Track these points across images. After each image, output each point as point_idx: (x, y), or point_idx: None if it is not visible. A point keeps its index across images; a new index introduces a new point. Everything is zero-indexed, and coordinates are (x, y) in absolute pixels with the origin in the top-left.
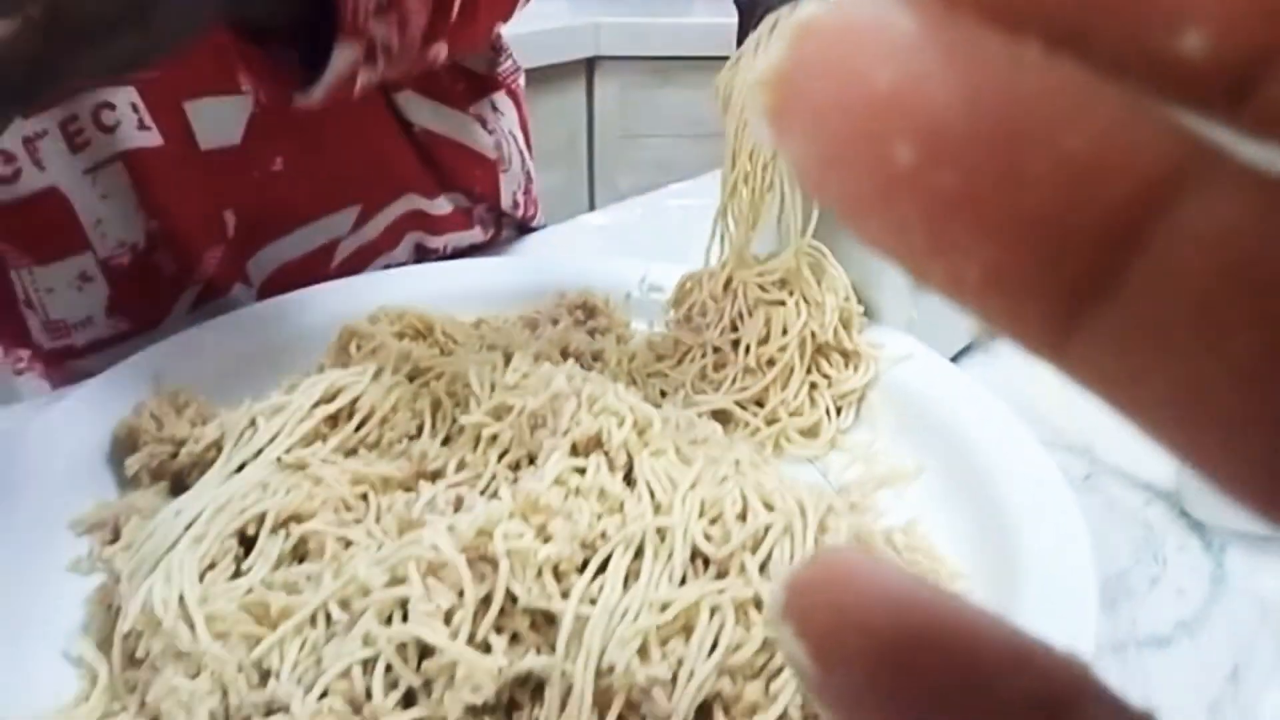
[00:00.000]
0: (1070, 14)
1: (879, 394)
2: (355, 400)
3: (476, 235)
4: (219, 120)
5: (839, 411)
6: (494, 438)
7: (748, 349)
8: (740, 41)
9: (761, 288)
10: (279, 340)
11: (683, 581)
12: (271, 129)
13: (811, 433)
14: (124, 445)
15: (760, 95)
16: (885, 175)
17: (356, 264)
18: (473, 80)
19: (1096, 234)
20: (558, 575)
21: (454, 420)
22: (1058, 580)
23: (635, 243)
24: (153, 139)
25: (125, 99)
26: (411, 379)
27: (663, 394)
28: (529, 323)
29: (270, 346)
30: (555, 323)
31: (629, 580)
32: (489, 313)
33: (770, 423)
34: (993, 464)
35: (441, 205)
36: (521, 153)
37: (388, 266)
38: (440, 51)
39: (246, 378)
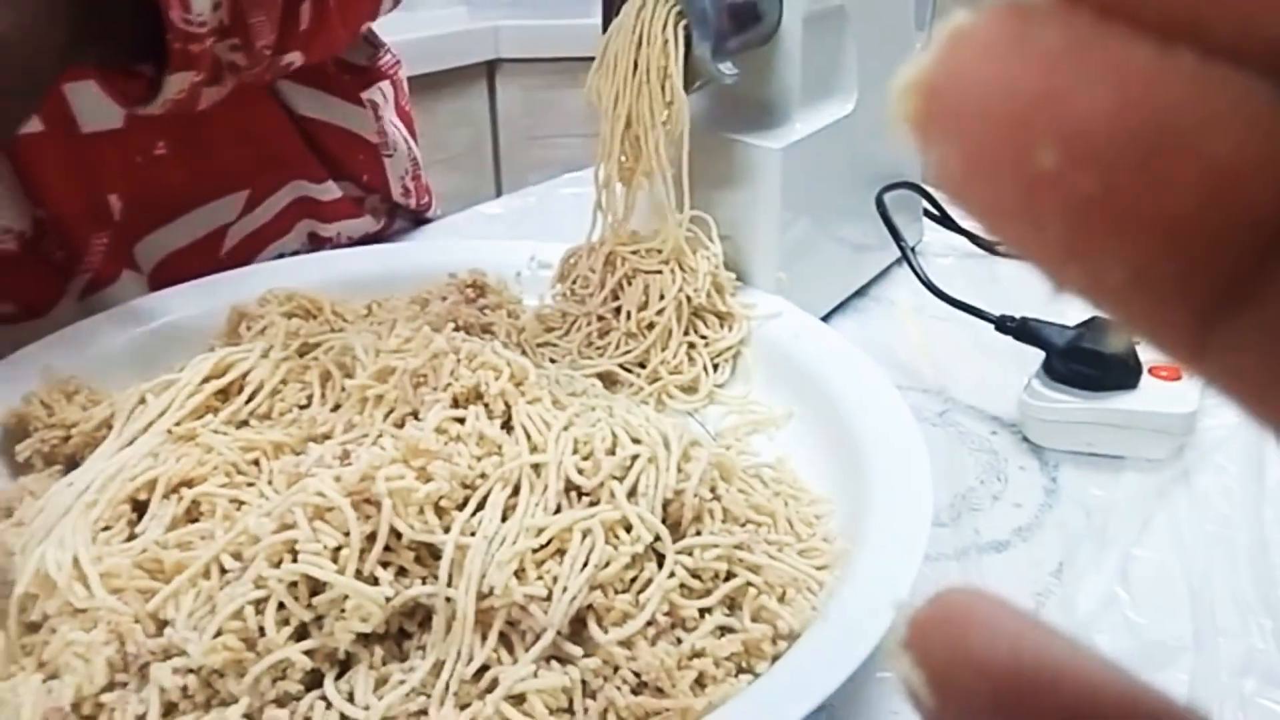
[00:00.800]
0: (1190, 6)
1: (752, 350)
2: (245, 375)
3: (368, 224)
4: (99, 103)
5: (715, 368)
6: (379, 398)
7: (628, 315)
8: (605, 26)
9: (639, 256)
10: (168, 331)
11: (557, 510)
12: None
13: (690, 389)
14: (14, 434)
15: (905, 102)
16: (1028, 180)
17: (248, 251)
18: (355, 72)
19: (1241, 237)
20: (439, 512)
21: (342, 389)
22: (901, 501)
23: (528, 229)
24: (33, 125)
25: None
26: (301, 354)
27: (551, 361)
28: (419, 301)
29: (159, 337)
30: (445, 300)
31: (507, 514)
32: (381, 297)
33: (652, 381)
34: (851, 406)
35: (330, 190)
36: (406, 140)
37: (281, 255)
38: (295, 58)
39: (136, 369)
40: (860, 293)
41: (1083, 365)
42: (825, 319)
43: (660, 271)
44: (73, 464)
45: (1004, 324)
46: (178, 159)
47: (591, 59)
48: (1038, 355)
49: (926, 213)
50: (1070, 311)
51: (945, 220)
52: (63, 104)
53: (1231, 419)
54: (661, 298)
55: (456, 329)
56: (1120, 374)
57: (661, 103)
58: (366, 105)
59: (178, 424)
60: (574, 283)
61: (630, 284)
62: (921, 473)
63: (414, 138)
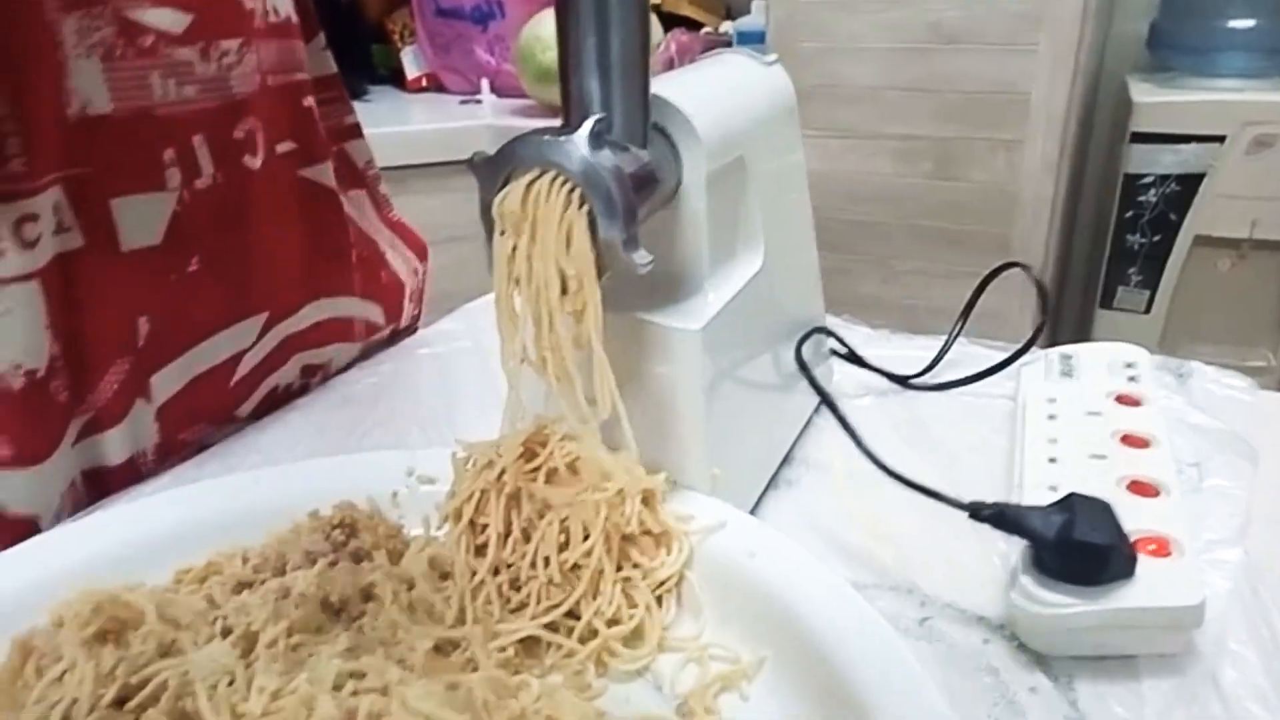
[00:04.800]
0: None
1: (697, 574)
2: None
3: (354, 350)
4: (143, 218)
5: (660, 603)
6: None
7: (546, 561)
8: (482, 213)
9: (544, 482)
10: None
11: None
12: (193, 227)
13: (635, 638)
14: None
15: None
16: None
17: (250, 384)
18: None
19: None
20: None
21: None
22: None
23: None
24: (74, 239)
25: (49, 201)
26: (121, 703)
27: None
28: (277, 565)
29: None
30: (313, 561)
31: None
32: (239, 540)
33: (586, 639)
34: (829, 641)
35: (351, 309)
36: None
37: (275, 389)
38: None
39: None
40: (785, 458)
41: (1074, 556)
42: (757, 501)
43: (573, 503)
44: None
45: (978, 512)
46: (210, 276)
47: (421, 165)
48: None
49: (833, 352)
50: (1034, 488)
51: (853, 358)
52: (108, 219)
53: (1223, 587)
54: (586, 535)
55: (329, 610)
56: (1116, 563)
57: (562, 302)
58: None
59: None
60: (472, 519)
61: (542, 519)
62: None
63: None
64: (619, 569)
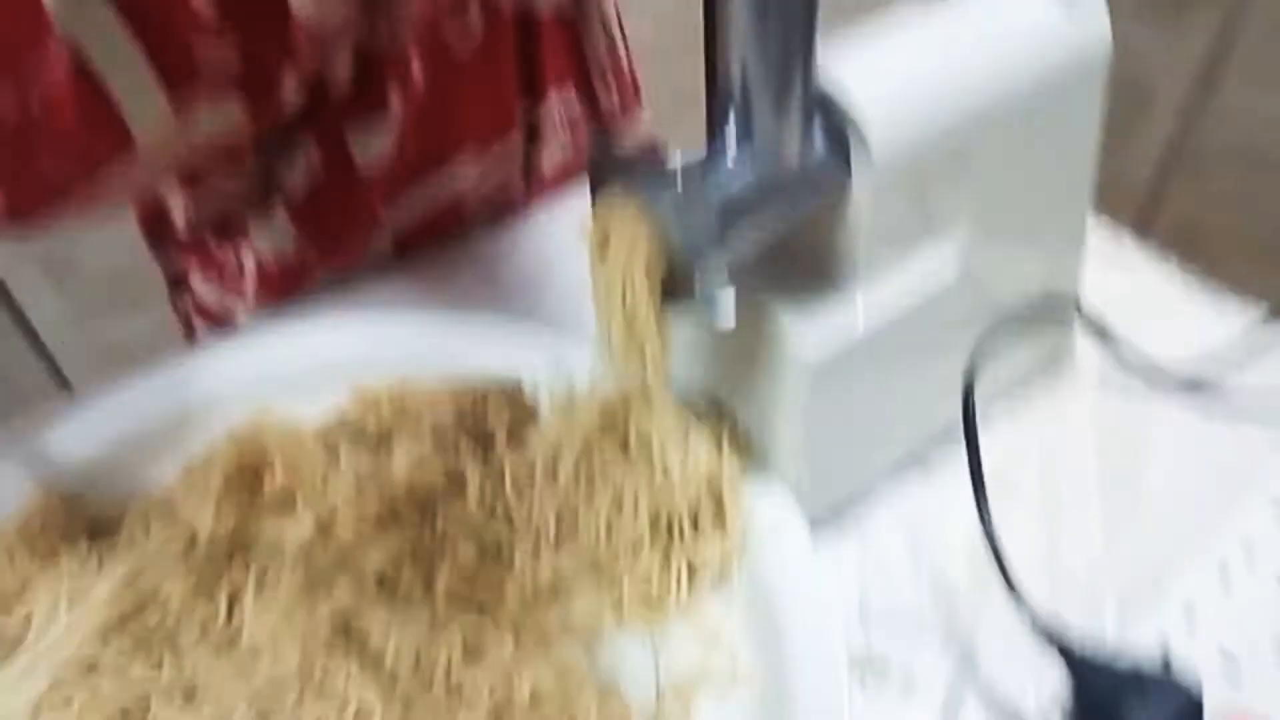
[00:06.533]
0: None
1: (744, 565)
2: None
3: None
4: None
5: (692, 575)
6: None
7: (598, 519)
8: (593, 195)
9: (618, 451)
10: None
11: None
12: None
13: (654, 604)
14: None
15: None
16: None
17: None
18: None
19: None
20: None
21: None
22: None
23: None
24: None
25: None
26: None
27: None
28: (411, 423)
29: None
30: (434, 435)
31: None
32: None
33: (613, 588)
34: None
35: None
36: None
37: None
38: None
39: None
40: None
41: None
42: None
43: (636, 473)
44: None
45: (1049, 636)
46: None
47: None
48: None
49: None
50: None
51: (1103, 335)
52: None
53: None
54: (636, 509)
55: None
56: None
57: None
58: None
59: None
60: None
61: (602, 479)
62: None
63: None
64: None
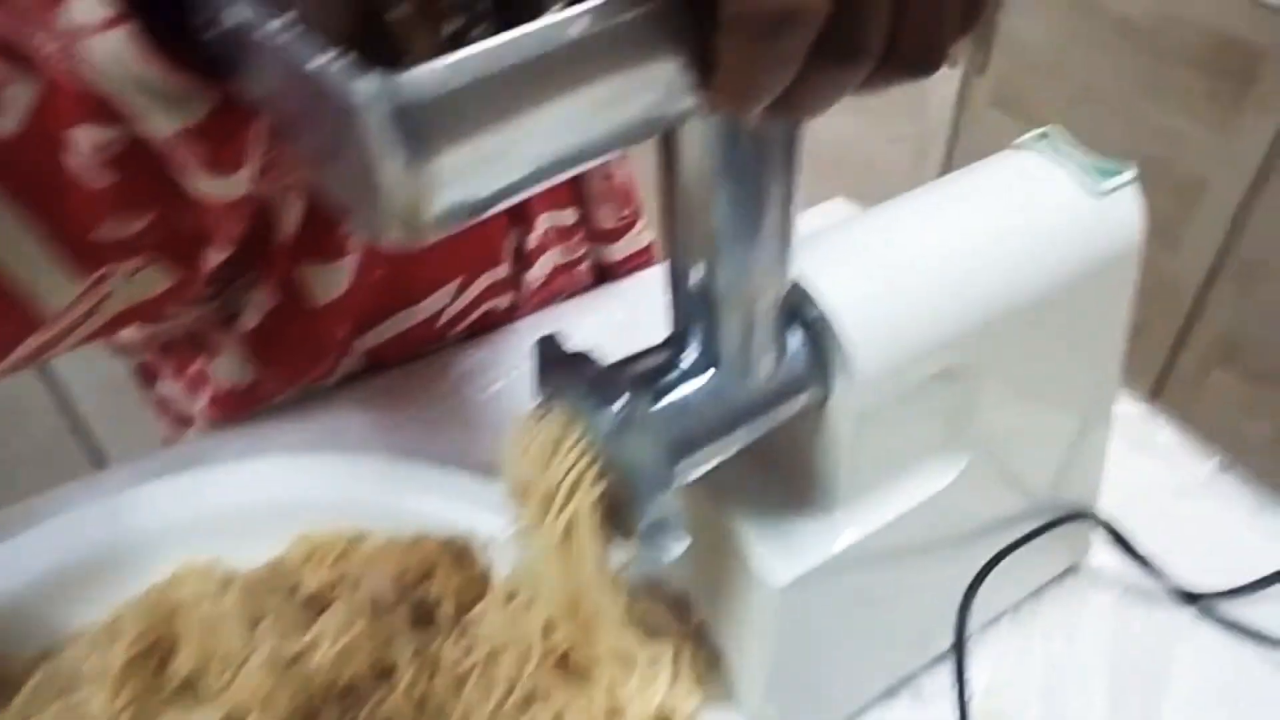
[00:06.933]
0: None
1: None
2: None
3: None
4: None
5: None
6: None
7: None
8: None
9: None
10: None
11: None
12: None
13: None
14: None
15: None
16: None
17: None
18: None
19: None
20: None
21: None
22: None
23: None
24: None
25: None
26: None
27: None
28: (348, 591)
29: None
30: (373, 608)
31: None
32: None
33: None
34: None
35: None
36: None
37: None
38: None
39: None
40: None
41: None
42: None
43: (583, 696)
44: None
45: None
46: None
47: None
48: None
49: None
50: None
51: (1127, 549)
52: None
53: None
54: None
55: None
56: None
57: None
58: None
59: None
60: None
61: (543, 700)
62: None
63: None
64: None
